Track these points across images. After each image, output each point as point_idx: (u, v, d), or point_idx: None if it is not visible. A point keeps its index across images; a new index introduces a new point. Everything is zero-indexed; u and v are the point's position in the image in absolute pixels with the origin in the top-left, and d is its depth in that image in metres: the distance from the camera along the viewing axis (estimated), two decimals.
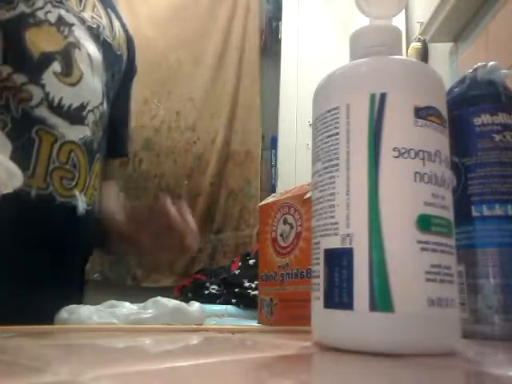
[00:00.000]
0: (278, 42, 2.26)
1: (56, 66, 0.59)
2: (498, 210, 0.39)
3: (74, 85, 0.61)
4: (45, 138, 0.58)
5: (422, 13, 1.76)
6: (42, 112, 0.58)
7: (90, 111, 0.63)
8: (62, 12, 0.61)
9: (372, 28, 0.32)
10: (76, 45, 0.62)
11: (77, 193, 0.61)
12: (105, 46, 0.68)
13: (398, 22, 1.70)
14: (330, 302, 0.27)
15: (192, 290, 1.67)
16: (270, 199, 0.52)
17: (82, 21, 0.64)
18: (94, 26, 0.66)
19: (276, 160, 2.20)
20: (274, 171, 2.24)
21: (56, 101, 0.59)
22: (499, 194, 0.39)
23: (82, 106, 0.62)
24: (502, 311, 0.37)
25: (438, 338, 0.27)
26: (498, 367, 0.26)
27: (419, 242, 0.27)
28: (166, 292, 1.85)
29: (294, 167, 2.01)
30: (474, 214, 0.40)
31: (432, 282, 0.26)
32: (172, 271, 2.06)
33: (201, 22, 2.23)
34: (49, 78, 0.59)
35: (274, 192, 0.66)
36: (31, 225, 0.58)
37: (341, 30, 2.05)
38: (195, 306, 0.51)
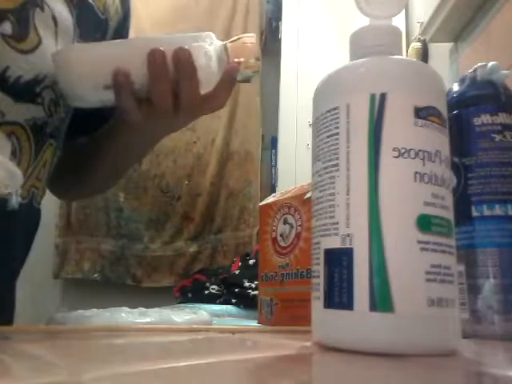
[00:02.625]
0: (278, 42, 2.26)
1: (6, 27, 0.48)
2: (498, 210, 0.39)
3: (26, 52, 0.49)
4: None
5: (422, 13, 1.76)
6: None
7: (46, 87, 0.52)
8: None
9: (372, 28, 0.32)
10: (37, 3, 0.50)
11: None
12: (82, 8, 0.56)
13: (398, 22, 1.70)
14: (330, 302, 0.27)
15: (192, 290, 1.67)
16: (270, 199, 0.52)
17: None
18: None
19: (276, 160, 2.20)
20: (274, 171, 2.24)
21: (0, 70, 0.48)
22: (499, 194, 0.39)
23: (36, 81, 0.51)
24: (502, 311, 0.38)
25: (438, 338, 0.27)
26: (498, 367, 0.26)
27: (419, 242, 0.27)
28: (165, 292, 1.85)
29: (294, 167, 2.00)
30: (474, 214, 0.40)
31: (432, 282, 0.26)
32: (172, 271, 2.06)
33: (201, 22, 2.23)
34: None
35: (274, 192, 0.65)
36: None
37: (341, 30, 2.05)
38: (204, 315, 0.50)
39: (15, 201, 0.51)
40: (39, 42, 0.50)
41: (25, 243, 0.59)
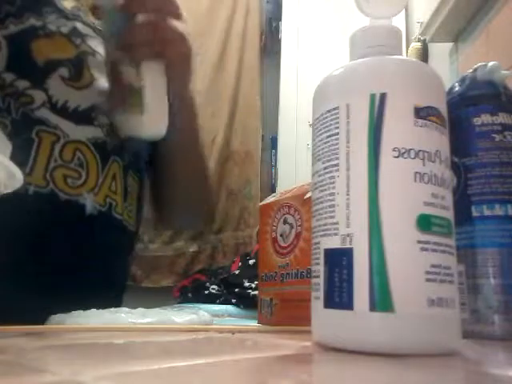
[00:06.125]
0: (278, 42, 2.26)
1: (63, 72, 0.60)
2: (498, 210, 0.39)
3: (82, 88, 0.62)
4: (45, 137, 0.58)
5: (422, 13, 1.76)
6: (44, 113, 0.58)
7: (101, 113, 0.63)
8: (77, 24, 0.63)
9: (372, 28, 0.32)
10: (90, 53, 0.63)
11: (84, 192, 0.60)
12: None
13: (398, 22, 1.70)
14: (330, 302, 0.27)
15: (192, 290, 1.67)
16: (270, 199, 0.52)
17: (99, 30, 0.66)
18: None
19: (276, 160, 2.20)
20: (274, 171, 2.24)
21: (60, 103, 0.60)
22: (499, 194, 0.39)
23: (92, 108, 0.62)
24: (502, 311, 0.38)
25: (438, 338, 0.27)
26: (498, 367, 0.26)
27: (419, 241, 0.27)
28: (165, 292, 1.85)
29: (294, 167, 2.00)
30: (474, 214, 0.40)
31: (432, 282, 0.26)
32: (172, 271, 2.06)
33: (201, 22, 2.23)
34: (53, 82, 0.60)
35: (274, 192, 0.65)
36: (33, 222, 0.57)
37: (341, 29, 2.05)
38: (204, 315, 0.49)
39: (91, 206, 0.61)
40: (92, 80, 0.63)
41: (111, 253, 0.66)
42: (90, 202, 0.61)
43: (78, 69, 0.62)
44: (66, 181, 0.59)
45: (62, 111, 0.60)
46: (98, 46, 0.65)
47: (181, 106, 0.63)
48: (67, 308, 0.46)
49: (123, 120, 0.61)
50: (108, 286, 0.65)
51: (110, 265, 0.66)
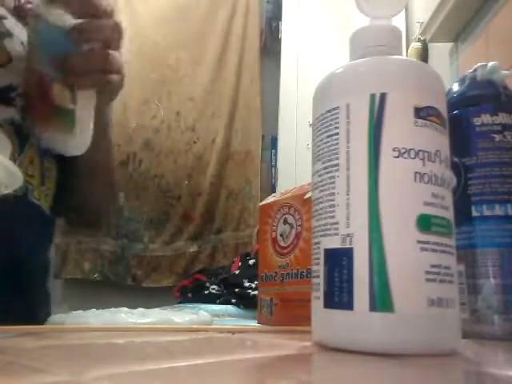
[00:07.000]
0: (278, 42, 2.25)
1: None
2: (498, 210, 0.39)
3: None
4: None
5: (422, 13, 1.76)
6: None
7: (19, 95, 0.62)
8: None
9: (372, 28, 0.32)
10: (7, 34, 0.62)
11: None
12: None
13: (398, 22, 1.70)
14: (330, 302, 0.27)
15: (192, 290, 1.67)
16: (270, 199, 0.52)
17: (18, 11, 0.65)
18: None
19: (276, 160, 2.20)
20: (274, 171, 2.24)
21: None
22: (499, 194, 0.39)
23: (10, 88, 0.61)
24: (502, 311, 0.38)
25: (438, 338, 0.27)
26: (498, 367, 0.26)
27: (419, 241, 0.27)
28: (165, 292, 1.86)
29: (294, 167, 2.00)
30: (474, 214, 0.40)
31: (432, 282, 0.26)
32: (172, 271, 2.06)
33: (201, 22, 2.23)
34: None
35: (274, 192, 0.65)
36: None
37: (341, 30, 2.05)
38: (204, 315, 0.49)
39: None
40: (10, 60, 0.62)
41: (30, 239, 0.63)
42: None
43: None
44: None
45: None
46: (14, 28, 0.64)
47: (96, 123, 0.62)
48: None
49: (49, 136, 0.62)
50: (24, 279, 0.62)
51: (28, 256, 0.62)
